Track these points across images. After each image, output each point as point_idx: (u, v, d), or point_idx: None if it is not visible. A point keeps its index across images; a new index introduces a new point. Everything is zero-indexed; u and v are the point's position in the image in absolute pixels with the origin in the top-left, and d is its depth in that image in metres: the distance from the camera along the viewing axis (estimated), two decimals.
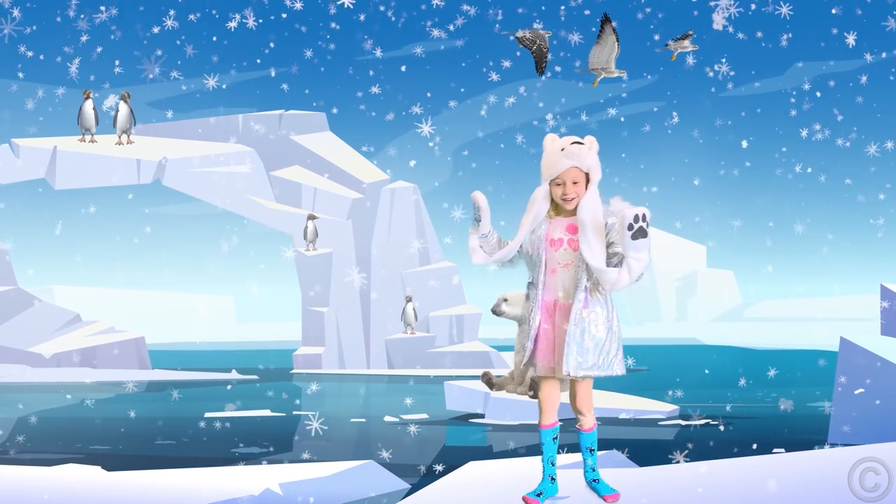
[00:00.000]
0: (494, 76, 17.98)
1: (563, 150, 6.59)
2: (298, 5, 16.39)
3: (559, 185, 6.58)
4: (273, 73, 18.92)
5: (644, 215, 6.31)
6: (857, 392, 11.78)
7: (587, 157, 6.57)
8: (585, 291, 6.60)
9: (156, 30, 17.99)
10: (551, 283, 6.77)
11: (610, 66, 10.83)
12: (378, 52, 18.84)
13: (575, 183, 6.56)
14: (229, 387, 14.97)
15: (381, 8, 18.44)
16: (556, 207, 6.70)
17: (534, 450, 11.49)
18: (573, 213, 6.64)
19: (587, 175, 6.58)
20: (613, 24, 10.70)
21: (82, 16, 17.15)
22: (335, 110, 19.56)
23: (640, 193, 20.21)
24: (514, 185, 19.55)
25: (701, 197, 20.74)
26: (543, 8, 17.93)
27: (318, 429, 13.19)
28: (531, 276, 6.82)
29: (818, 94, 18.75)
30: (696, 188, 20.23)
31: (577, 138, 6.63)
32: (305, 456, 11.50)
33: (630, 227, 6.32)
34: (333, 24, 18.53)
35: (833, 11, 17.92)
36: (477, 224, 6.68)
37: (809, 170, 18.93)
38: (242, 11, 17.44)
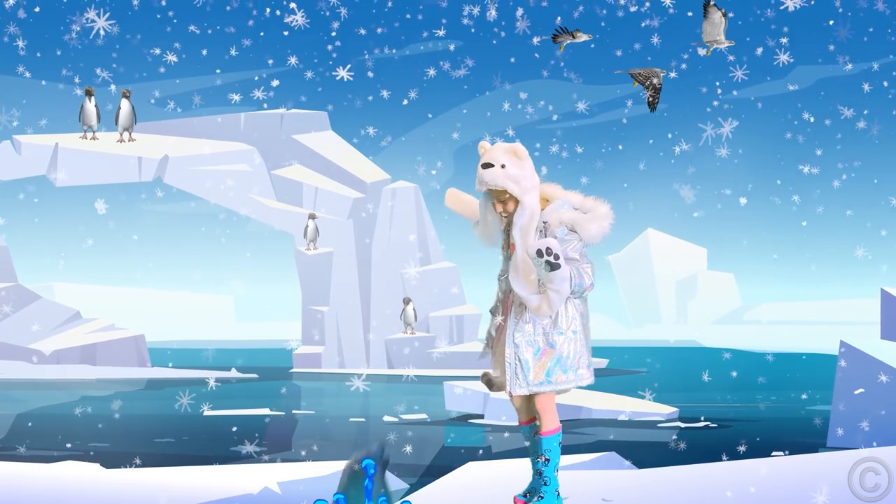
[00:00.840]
0: (497, 82, 18.05)
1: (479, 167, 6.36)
2: (300, 18, 16.39)
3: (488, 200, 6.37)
4: (275, 72, 18.92)
5: (549, 249, 6.07)
6: (856, 392, 11.78)
7: (495, 178, 6.27)
8: (518, 307, 6.44)
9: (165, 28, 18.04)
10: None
11: (720, 37, 11.41)
12: (380, 51, 18.85)
13: (502, 202, 6.32)
14: (211, 384, 14.92)
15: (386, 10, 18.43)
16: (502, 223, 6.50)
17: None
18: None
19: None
20: (713, 1, 11.39)
21: (87, 16, 17.15)
22: (331, 107, 19.55)
23: (644, 196, 20.23)
24: None
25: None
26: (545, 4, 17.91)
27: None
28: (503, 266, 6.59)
29: (822, 94, 18.79)
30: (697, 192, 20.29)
31: (490, 156, 6.33)
32: (304, 455, 11.50)
33: (539, 263, 6.10)
34: (335, 24, 18.54)
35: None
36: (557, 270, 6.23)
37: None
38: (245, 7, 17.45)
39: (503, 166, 6.29)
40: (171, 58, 16.93)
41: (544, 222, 6.32)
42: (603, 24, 17.75)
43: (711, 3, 11.37)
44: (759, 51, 17.01)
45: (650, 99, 10.75)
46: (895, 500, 6.43)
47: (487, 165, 6.31)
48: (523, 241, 6.27)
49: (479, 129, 18.65)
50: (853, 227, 19.96)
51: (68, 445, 12.08)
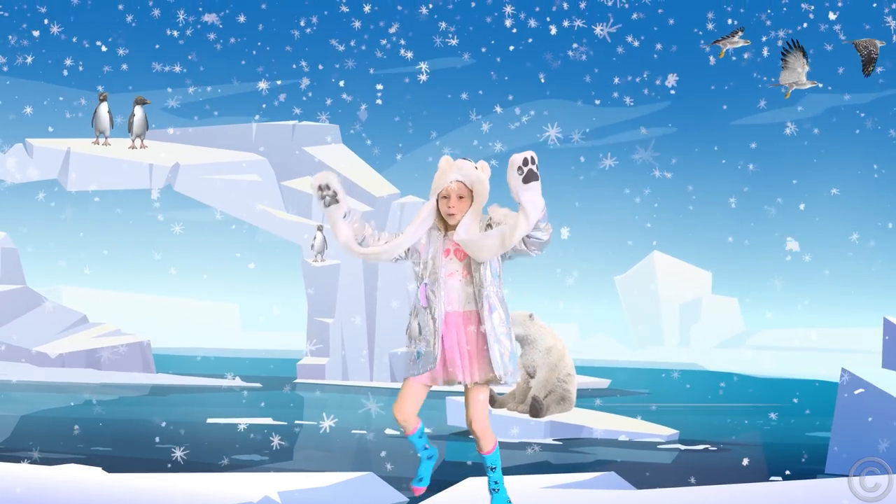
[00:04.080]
0: (507, 99, 18.12)
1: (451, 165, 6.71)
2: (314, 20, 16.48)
3: (445, 197, 6.65)
4: (288, 84, 19.01)
5: (532, 157, 6.37)
6: (857, 392, 11.81)
7: (472, 173, 6.65)
8: (486, 300, 6.62)
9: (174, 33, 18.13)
10: (446, 294, 6.74)
11: (801, 79, 11.64)
12: (389, 68, 18.93)
13: (460, 198, 6.64)
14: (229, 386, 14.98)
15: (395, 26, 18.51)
16: (446, 225, 6.74)
17: (532, 468, 11.56)
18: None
19: (472, 193, 6.63)
20: (802, 48, 11.59)
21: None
22: (338, 125, 19.62)
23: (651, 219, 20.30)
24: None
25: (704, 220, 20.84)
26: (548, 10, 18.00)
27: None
28: (426, 278, 6.74)
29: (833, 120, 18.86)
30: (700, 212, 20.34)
31: (469, 159, 6.73)
32: (305, 465, 11.54)
33: (520, 171, 6.36)
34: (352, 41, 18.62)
35: None
36: (335, 204, 6.62)
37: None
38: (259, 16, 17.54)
39: (475, 168, 6.67)
40: (178, 69, 17.06)
41: (489, 217, 6.66)
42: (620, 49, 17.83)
43: (792, 50, 11.54)
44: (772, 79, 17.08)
45: (865, 64, 11.12)
46: (895, 501, 6.47)
47: (464, 159, 6.70)
48: (471, 229, 6.58)
49: (489, 146, 18.72)
50: (857, 251, 20.00)
51: (70, 449, 12.12)
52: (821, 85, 12.04)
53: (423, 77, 17.05)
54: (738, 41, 12.35)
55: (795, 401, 17.26)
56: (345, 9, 18.09)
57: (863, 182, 19.98)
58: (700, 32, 17.13)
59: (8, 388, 16.58)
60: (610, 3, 16.77)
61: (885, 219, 19.76)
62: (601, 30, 15.87)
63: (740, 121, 19.91)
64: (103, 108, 18.22)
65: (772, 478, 11.07)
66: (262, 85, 18.35)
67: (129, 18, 18.18)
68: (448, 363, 6.77)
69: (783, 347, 23.20)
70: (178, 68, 18.44)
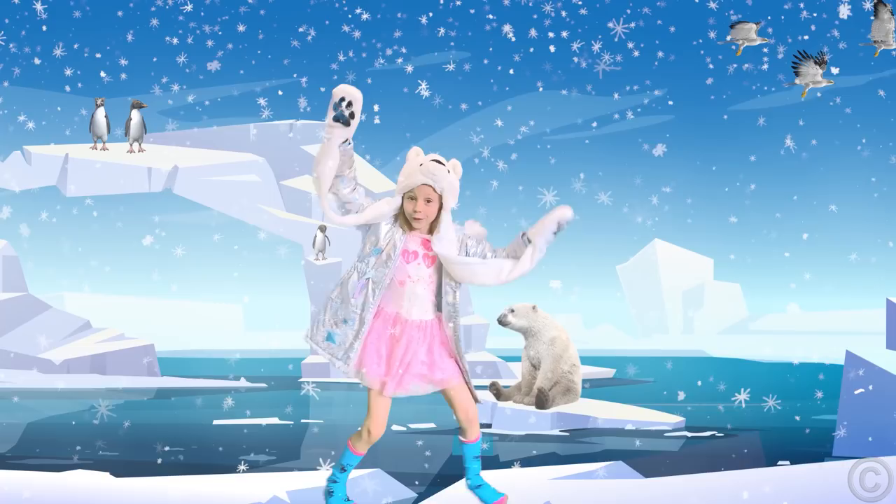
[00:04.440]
0: (502, 94, 18.10)
1: (421, 165, 6.38)
2: (311, 33, 16.48)
3: (412, 199, 6.39)
4: (284, 83, 19.02)
5: (570, 221, 6.38)
6: (857, 392, 11.82)
7: (443, 178, 6.36)
8: (448, 307, 6.52)
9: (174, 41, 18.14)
10: (396, 294, 6.54)
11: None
12: (381, 63, 18.93)
13: (428, 202, 6.37)
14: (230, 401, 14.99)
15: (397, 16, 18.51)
16: (408, 222, 6.50)
17: (538, 460, 11.56)
18: (427, 230, 6.46)
19: (440, 197, 6.39)
20: (811, 56, 11.62)
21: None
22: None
23: (651, 208, 20.28)
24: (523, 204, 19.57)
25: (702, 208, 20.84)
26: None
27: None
28: (369, 271, 6.51)
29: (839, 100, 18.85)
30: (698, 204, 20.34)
31: (439, 157, 6.44)
32: (313, 464, 11.54)
33: (559, 227, 6.34)
34: (347, 28, 18.60)
35: None
36: (343, 125, 6.26)
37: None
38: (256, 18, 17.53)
39: (449, 172, 6.41)
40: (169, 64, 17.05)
41: (467, 235, 6.47)
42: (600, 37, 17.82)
43: (803, 61, 11.55)
44: (765, 67, 17.09)
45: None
46: (895, 501, 6.48)
47: (439, 163, 6.40)
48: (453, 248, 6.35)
49: (485, 141, 18.71)
50: (858, 238, 20.01)
51: (78, 455, 12.13)
52: (833, 82, 12.08)
53: (424, 90, 17.08)
54: (755, 38, 12.36)
55: (800, 385, 17.27)
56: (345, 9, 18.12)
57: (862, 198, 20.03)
58: (700, 41, 17.17)
59: (13, 395, 16.58)
60: (610, 27, 16.84)
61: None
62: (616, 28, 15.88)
63: (740, 106, 19.89)
64: (100, 114, 18.23)
65: (779, 462, 11.07)
66: (262, 102, 18.34)
67: (128, 36, 18.20)
68: (411, 376, 6.68)
69: (787, 332, 23.21)
70: (176, 75, 18.47)
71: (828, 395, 14.82)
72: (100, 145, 18.31)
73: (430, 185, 6.32)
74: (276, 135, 19.42)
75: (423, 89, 17.58)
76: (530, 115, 18.88)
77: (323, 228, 18.75)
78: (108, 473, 9.56)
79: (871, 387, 11.90)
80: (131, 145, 18.42)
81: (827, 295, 21.76)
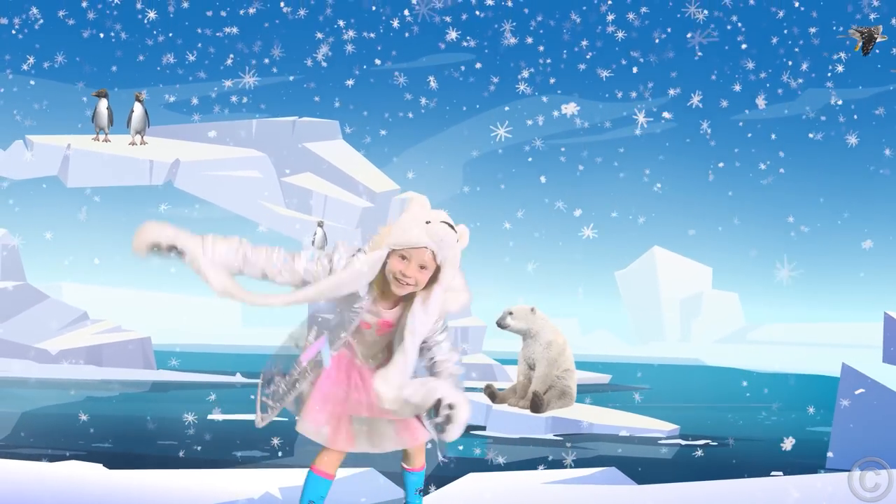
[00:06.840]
0: (513, 92, 18.07)
1: (428, 222, 5.30)
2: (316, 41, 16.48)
3: (403, 258, 5.37)
4: (289, 79, 19.03)
5: (448, 417, 5.69)
6: (857, 392, 11.83)
7: (450, 247, 5.32)
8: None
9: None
10: (356, 342, 5.80)
11: (876, 36, 11.69)
12: (388, 63, 18.94)
13: (422, 268, 5.36)
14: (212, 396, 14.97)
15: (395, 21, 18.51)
16: (383, 285, 5.52)
17: (532, 463, 11.55)
18: (401, 299, 5.51)
19: (438, 268, 5.36)
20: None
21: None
22: (348, 129, 19.62)
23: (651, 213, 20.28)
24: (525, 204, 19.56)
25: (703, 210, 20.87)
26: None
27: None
28: (325, 343, 5.80)
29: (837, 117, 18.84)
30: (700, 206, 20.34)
31: (448, 218, 5.38)
32: (307, 461, 11.53)
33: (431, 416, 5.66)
34: (347, 28, 18.61)
35: None
36: (180, 256, 5.53)
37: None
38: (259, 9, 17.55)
39: (457, 240, 5.42)
40: (173, 59, 17.04)
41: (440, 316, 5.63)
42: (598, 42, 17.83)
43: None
44: (763, 75, 17.09)
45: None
46: (895, 501, 6.48)
47: (450, 226, 5.39)
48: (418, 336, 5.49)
49: (490, 142, 18.71)
50: (858, 251, 20.00)
51: (71, 446, 12.12)
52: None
53: (433, 83, 17.08)
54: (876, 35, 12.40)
55: (796, 396, 17.27)
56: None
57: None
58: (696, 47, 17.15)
59: (8, 384, 16.58)
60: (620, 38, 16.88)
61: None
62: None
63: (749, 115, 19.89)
64: (102, 105, 18.24)
65: (773, 473, 11.07)
66: (262, 105, 18.39)
67: (121, 37, 18.24)
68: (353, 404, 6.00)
69: (784, 342, 23.22)
70: (179, 71, 18.47)
71: (823, 407, 14.83)
72: (102, 137, 18.31)
73: (432, 252, 5.35)
74: (279, 131, 19.43)
75: (425, 89, 17.58)
76: (531, 119, 18.88)
77: (322, 225, 18.76)
78: (100, 465, 9.55)
79: (863, 390, 11.91)
80: (133, 137, 18.42)
81: (825, 307, 21.78)
